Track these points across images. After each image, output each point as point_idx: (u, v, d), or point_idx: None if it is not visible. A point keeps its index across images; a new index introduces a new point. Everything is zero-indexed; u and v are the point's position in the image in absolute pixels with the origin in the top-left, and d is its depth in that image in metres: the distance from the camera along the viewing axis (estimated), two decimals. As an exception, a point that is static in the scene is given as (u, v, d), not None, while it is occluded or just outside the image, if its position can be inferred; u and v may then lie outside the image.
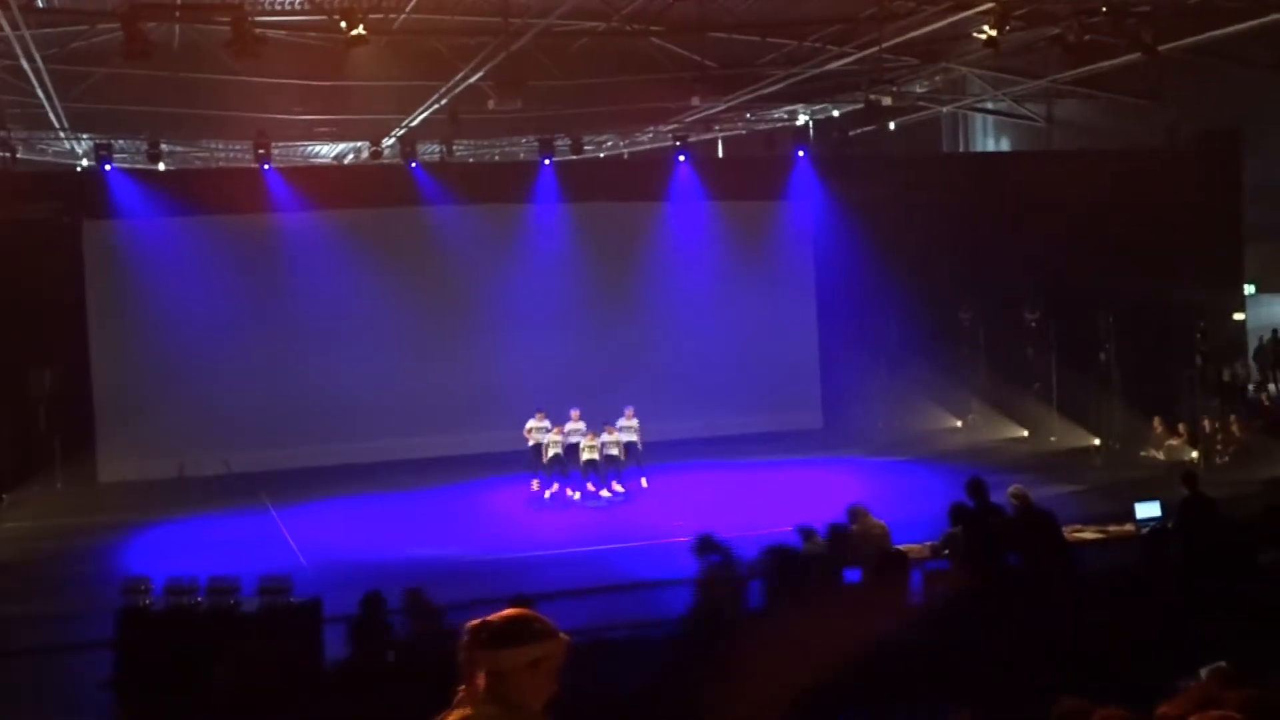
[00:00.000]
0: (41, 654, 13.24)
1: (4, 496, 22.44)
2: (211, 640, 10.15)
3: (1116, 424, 23.39)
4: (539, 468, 21.22)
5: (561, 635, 3.71)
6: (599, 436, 20.99)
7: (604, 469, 21.02)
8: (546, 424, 21.24)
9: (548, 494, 21.01)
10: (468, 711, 3.65)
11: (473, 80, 19.56)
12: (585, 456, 20.95)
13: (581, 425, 21.19)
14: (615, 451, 21.08)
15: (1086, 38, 18.60)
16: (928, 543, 12.85)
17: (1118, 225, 24.47)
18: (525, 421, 21.43)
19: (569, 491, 21.01)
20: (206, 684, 9.03)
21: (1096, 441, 23.56)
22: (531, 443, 21.23)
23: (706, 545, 10.90)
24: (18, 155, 23.54)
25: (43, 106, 20.65)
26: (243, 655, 9.48)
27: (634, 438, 21.44)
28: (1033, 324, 24.95)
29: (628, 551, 17.10)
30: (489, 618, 3.72)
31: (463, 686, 3.68)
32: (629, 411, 21.60)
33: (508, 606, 9.90)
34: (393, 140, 24.76)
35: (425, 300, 25.47)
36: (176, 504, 21.25)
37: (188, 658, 9.70)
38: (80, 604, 14.50)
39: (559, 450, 20.97)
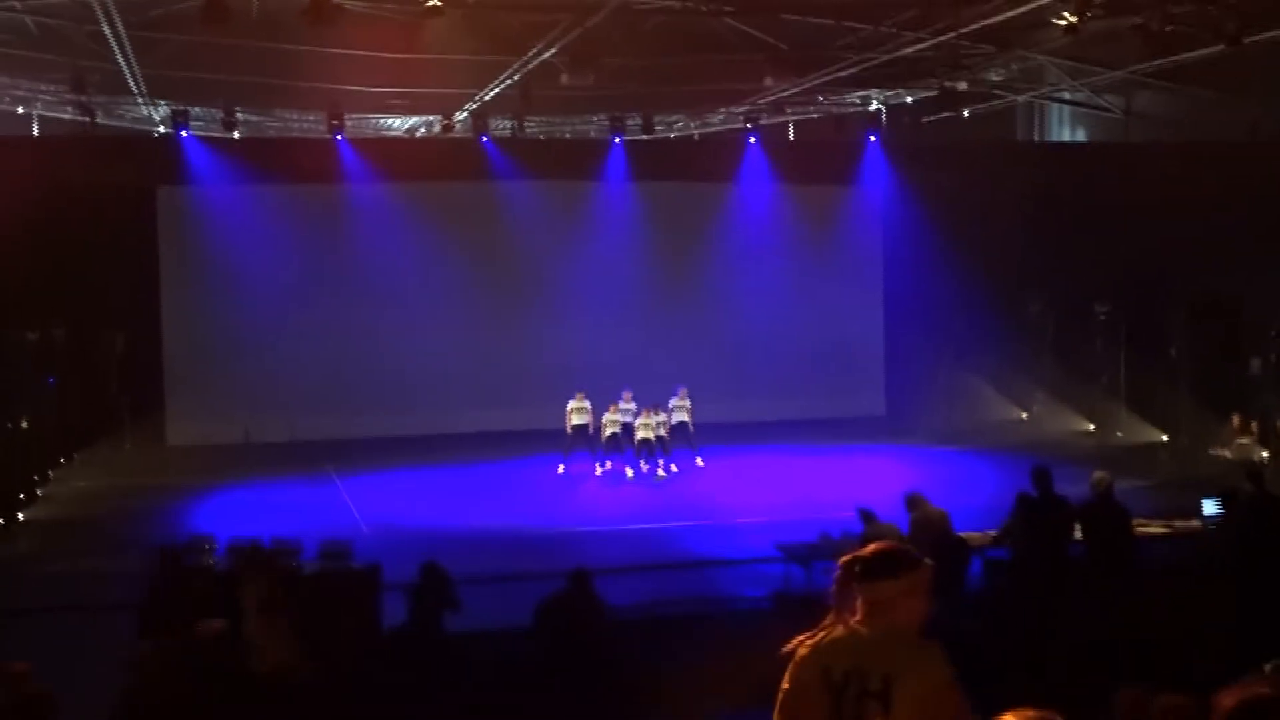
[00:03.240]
0: (99, 610, 13.34)
1: (74, 455, 22.84)
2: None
3: (1185, 420, 23.05)
4: (576, 447, 21.37)
5: (926, 562, 3.88)
6: (652, 415, 21.06)
7: (656, 448, 21.10)
8: (587, 404, 21.37)
9: (600, 470, 21.22)
10: (845, 631, 3.84)
11: (546, 56, 19.57)
12: (640, 435, 21.04)
13: (633, 406, 21.29)
14: (664, 432, 21.19)
15: (1168, 28, 18.27)
16: (989, 531, 12.76)
17: (1194, 220, 24.00)
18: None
19: (626, 470, 21.15)
20: (236, 611, 8.89)
21: (1164, 437, 23.25)
22: (572, 423, 21.34)
23: None
24: (97, 120, 23.83)
25: (122, 72, 20.89)
26: (268, 584, 9.37)
27: (686, 418, 21.52)
28: (1102, 317, 24.63)
29: (684, 530, 17.13)
30: (859, 552, 3.88)
31: (831, 615, 3.87)
32: (682, 391, 21.70)
33: (567, 579, 9.89)
34: (465, 115, 24.81)
35: (492, 274, 25.59)
36: (242, 468, 21.58)
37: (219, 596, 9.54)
38: (139, 562, 14.70)
39: (616, 429, 21.06)
